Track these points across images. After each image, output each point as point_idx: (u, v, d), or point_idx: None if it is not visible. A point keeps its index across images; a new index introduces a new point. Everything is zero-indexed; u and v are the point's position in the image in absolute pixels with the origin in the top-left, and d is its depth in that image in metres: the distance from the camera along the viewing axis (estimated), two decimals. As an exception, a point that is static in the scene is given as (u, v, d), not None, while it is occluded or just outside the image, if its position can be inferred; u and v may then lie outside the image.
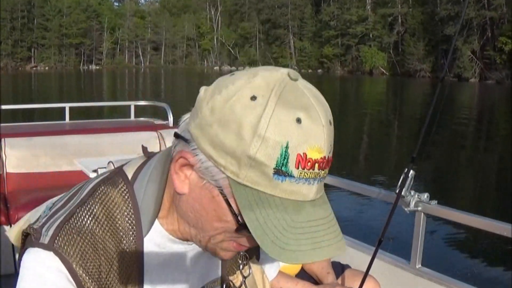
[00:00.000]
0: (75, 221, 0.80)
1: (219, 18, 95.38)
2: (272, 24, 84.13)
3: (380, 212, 5.95)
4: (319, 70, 74.83)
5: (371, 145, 14.49)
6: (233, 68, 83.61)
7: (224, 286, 0.96)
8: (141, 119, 4.98)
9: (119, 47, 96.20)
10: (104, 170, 1.95)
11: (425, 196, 2.08)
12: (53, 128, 4.46)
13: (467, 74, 53.05)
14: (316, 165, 0.69)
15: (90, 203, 0.82)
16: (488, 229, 1.90)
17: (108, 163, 1.90)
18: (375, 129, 18.15)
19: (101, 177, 0.86)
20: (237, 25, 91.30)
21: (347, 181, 2.40)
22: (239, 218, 0.71)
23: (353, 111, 23.23)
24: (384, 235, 1.81)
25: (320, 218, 0.71)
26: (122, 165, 0.88)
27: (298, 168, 0.68)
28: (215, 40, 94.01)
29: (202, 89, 0.76)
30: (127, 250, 0.81)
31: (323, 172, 0.70)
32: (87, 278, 0.78)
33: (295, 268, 1.99)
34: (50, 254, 0.77)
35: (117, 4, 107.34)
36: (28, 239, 0.82)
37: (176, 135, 0.78)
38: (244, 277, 0.98)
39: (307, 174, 0.68)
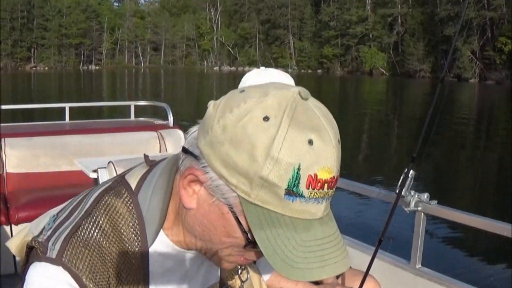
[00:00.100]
0: (82, 234, 0.79)
1: (219, 18, 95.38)
2: (272, 24, 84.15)
3: (380, 212, 5.96)
4: (319, 71, 74.84)
5: (371, 145, 14.49)
6: (233, 68, 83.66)
7: None
8: (141, 119, 4.97)
9: (119, 47, 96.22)
10: (104, 170, 1.95)
11: (425, 196, 2.08)
12: (53, 128, 4.45)
13: (467, 74, 53.06)
14: (326, 185, 0.70)
15: (95, 215, 0.81)
16: (488, 229, 1.90)
17: (108, 163, 1.90)
18: (375, 129, 18.14)
19: (103, 187, 0.86)
20: (237, 25, 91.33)
21: (347, 181, 2.40)
22: (248, 235, 0.72)
23: (353, 111, 23.22)
24: (384, 235, 1.81)
25: (327, 236, 0.73)
26: (124, 174, 0.88)
27: (308, 188, 0.69)
28: (214, 40, 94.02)
29: (211, 104, 0.76)
30: (133, 261, 0.81)
31: (331, 191, 0.72)
32: None
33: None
34: (59, 269, 0.76)
35: (116, 4, 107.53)
36: (33, 252, 0.81)
37: (185, 150, 0.78)
38: (242, 282, 1.00)
39: (317, 194, 0.70)
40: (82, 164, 2.94)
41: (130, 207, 0.82)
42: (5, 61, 78.42)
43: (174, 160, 0.85)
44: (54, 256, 0.77)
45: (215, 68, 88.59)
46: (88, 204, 0.83)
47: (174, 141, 4.11)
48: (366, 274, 1.67)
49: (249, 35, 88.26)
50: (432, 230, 5.92)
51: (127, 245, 0.81)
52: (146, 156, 0.92)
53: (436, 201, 2.07)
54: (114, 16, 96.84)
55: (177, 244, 0.85)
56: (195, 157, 0.74)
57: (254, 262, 1.02)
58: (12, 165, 3.82)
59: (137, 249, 0.81)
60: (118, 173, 1.85)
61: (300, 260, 0.69)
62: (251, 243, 0.73)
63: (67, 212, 0.84)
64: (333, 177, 0.71)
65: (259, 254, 0.73)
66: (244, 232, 0.73)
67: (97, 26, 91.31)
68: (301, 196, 0.69)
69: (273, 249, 0.69)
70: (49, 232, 0.81)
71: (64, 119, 4.86)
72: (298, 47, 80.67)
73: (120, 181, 0.86)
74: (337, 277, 2.02)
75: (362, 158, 12.28)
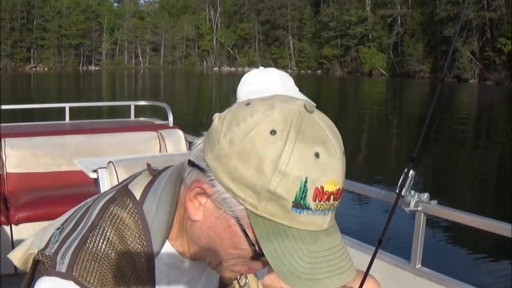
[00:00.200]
0: (90, 246, 0.79)
1: (219, 19, 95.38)
2: (272, 25, 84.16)
3: (380, 212, 5.95)
4: (319, 71, 74.86)
5: (371, 145, 14.50)
6: (232, 69, 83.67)
7: None
8: (141, 119, 4.97)
9: (119, 48, 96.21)
10: (104, 170, 1.95)
11: (425, 196, 2.08)
12: (53, 128, 4.45)
13: (466, 75, 53.09)
14: (332, 196, 0.72)
15: (102, 226, 0.81)
16: (488, 229, 1.90)
17: (108, 163, 1.90)
18: (375, 129, 18.16)
19: (107, 197, 0.86)
20: (237, 26, 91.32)
21: (347, 181, 2.38)
22: (255, 247, 0.73)
23: (352, 111, 23.24)
24: (384, 235, 1.81)
25: (333, 247, 0.74)
26: (127, 183, 0.88)
27: (315, 200, 0.70)
28: (214, 41, 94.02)
29: (216, 117, 0.76)
30: (141, 272, 0.82)
31: (336, 202, 0.74)
32: None
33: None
34: (70, 283, 0.76)
35: (116, 4, 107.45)
36: (40, 266, 0.80)
37: (191, 163, 0.78)
38: (241, 286, 1.00)
39: (323, 206, 0.71)
40: (82, 164, 2.94)
41: (136, 218, 0.82)
42: (5, 62, 78.39)
43: (178, 171, 0.85)
44: (64, 270, 0.77)
45: (214, 69, 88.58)
46: (94, 215, 0.83)
47: (174, 141, 4.11)
48: (366, 274, 1.66)
49: (249, 36, 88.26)
50: (432, 230, 5.92)
51: (134, 256, 0.81)
52: (148, 165, 0.91)
53: (436, 201, 2.07)
54: (114, 17, 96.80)
55: (182, 255, 0.86)
56: (202, 170, 0.75)
57: None
58: (12, 165, 3.82)
59: (143, 260, 0.82)
60: (118, 173, 1.86)
61: (307, 271, 0.70)
62: (258, 255, 0.74)
63: (72, 224, 0.84)
64: (339, 189, 0.73)
65: (265, 264, 0.74)
66: (251, 244, 0.73)
67: (96, 27, 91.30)
68: (308, 208, 0.70)
69: (281, 260, 0.70)
70: (56, 245, 0.81)
71: (64, 119, 4.86)
72: (298, 47, 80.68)
73: (123, 191, 0.86)
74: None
75: (362, 158, 12.28)
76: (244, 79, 1.90)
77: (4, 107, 4.67)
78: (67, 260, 0.77)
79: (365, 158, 12.40)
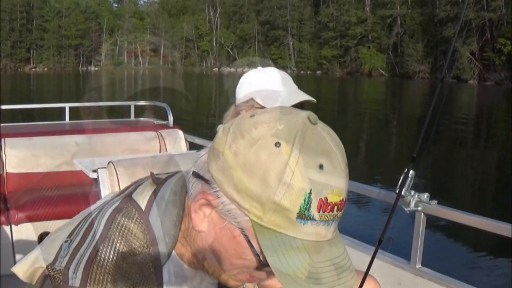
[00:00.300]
0: (101, 259, 0.79)
1: (218, 20, 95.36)
2: (271, 25, 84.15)
3: (380, 212, 5.96)
4: (318, 72, 74.84)
5: (371, 145, 14.51)
6: (232, 69, 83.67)
7: None
8: (141, 119, 4.98)
9: (118, 48, 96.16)
10: (104, 170, 1.94)
11: (425, 196, 2.08)
12: (53, 128, 4.45)
13: (466, 75, 53.09)
14: (335, 207, 0.73)
15: (112, 238, 0.81)
16: (488, 229, 1.90)
17: (108, 163, 1.90)
18: (375, 129, 18.16)
19: (113, 206, 0.86)
20: (236, 26, 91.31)
21: (347, 181, 2.39)
22: (260, 257, 0.74)
23: (352, 111, 23.24)
24: (384, 235, 1.81)
25: (337, 257, 0.75)
26: (131, 192, 0.88)
27: (319, 211, 0.71)
28: (214, 41, 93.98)
29: (220, 129, 0.77)
30: (150, 282, 0.82)
31: (340, 213, 0.74)
32: None
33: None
34: None
35: (116, 5, 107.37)
36: (50, 281, 0.80)
37: (196, 175, 0.79)
38: None
39: (327, 216, 0.72)
40: (82, 164, 2.94)
41: (143, 228, 0.83)
42: (5, 62, 78.33)
43: (182, 181, 0.86)
44: (77, 284, 0.77)
45: (214, 69, 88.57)
46: (102, 225, 0.83)
47: (174, 141, 4.11)
48: (366, 274, 1.66)
49: (248, 36, 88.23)
50: (432, 230, 5.92)
51: (143, 266, 0.81)
52: (152, 174, 0.92)
53: (436, 201, 2.07)
54: (113, 17, 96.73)
55: (186, 264, 0.87)
56: (206, 181, 0.76)
57: None
58: (12, 165, 3.81)
59: (152, 269, 0.82)
60: (118, 173, 1.85)
61: (311, 281, 0.71)
62: (262, 265, 0.75)
63: (80, 236, 0.84)
64: (342, 199, 0.73)
65: (269, 274, 0.75)
66: (256, 254, 0.74)
67: (96, 27, 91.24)
68: (312, 219, 0.71)
69: (285, 271, 0.71)
70: (66, 259, 0.80)
71: (64, 119, 4.87)
72: (297, 48, 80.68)
73: (128, 201, 0.86)
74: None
75: (362, 158, 12.28)
76: (243, 79, 1.90)
77: (4, 107, 4.67)
78: (80, 274, 0.77)
79: (365, 158, 12.41)
